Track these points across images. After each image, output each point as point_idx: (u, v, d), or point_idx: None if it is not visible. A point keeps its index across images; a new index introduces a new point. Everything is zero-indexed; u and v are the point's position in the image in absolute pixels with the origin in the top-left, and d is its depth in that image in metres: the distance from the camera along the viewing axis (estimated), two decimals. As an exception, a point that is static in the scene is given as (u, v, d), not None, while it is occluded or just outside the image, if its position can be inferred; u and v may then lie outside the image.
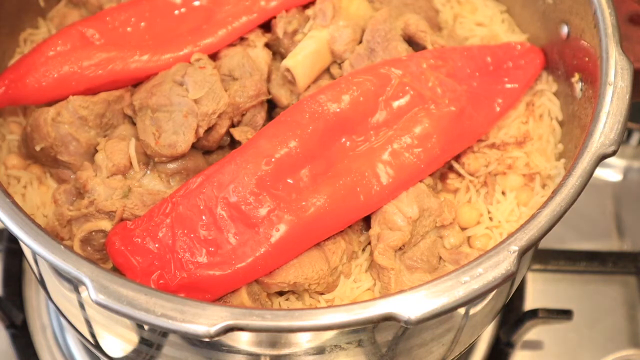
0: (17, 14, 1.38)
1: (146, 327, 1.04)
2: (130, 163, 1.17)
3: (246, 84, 1.22)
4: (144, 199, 1.14)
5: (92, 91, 1.23)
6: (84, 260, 0.94)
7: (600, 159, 1.06)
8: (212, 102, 1.18)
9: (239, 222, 1.08)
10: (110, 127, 1.23)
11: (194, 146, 1.18)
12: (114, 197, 1.13)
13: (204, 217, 1.08)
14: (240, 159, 1.11)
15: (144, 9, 1.31)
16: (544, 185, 1.25)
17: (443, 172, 1.25)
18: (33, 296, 1.53)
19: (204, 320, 0.89)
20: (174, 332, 0.91)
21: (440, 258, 1.16)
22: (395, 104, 1.19)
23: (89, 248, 1.14)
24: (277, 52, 1.32)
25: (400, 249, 1.13)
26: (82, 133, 1.20)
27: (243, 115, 1.23)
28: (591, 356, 1.52)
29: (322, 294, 1.14)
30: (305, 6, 1.34)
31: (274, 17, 1.31)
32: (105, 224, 1.12)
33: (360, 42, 1.29)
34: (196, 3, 1.33)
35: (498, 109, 1.27)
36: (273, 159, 1.11)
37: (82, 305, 1.10)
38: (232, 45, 1.29)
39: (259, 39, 1.29)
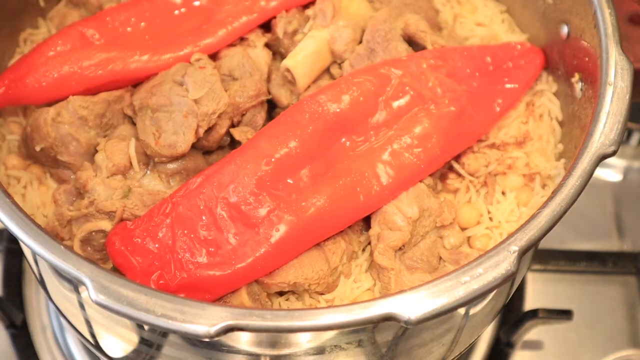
0: (17, 14, 1.38)
1: (146, 328, 1.04)
2: (130, 163, 1.17)
3: (246, 84, 1.22)
4: (144, 199, 1.14)
5: (92, 91, 1.22)
6: (84, 261, 0.94)
7: (600, 159, 1.06)
8: (212, 102, 1.18)
9: (239, 222, 1.08)
10: (110, 127, 1.23)
11: (194, 146, 1.18)
12: (114, 197, 1.13)
13: (204, 217, 1.08)
14: (240, 159, 1.11)
15: (144, 9, 1.31)
16: (544, 186, 1.25)
17: (443, 172, 1.25)
18: (33, 296, 1.53)
19: (204, 320, 0.90)
20: (174, 332, 0.91)
21: (440, 258, 1.16)
22: (395, 104, 1.19)
23: (89, 248, 1.14)
24: (277, 52, 1.32)
25: (400, 249, 1.13)
26: (82, 133, 1.20)
27: (243, 115, 1.23)
28: (591, 356, 1.52)
29: (322, 294, 1.14)
30: (305, 6, 1.34)
31: (274, 17, 1.31)
32: (105, 224, 1.12)
33: (360, 42, 1.29)
34: (196, 3, 1.33)
35: (498, 109, 1.27)
36: (273, 159, 1.11)
37: (82, 306, 1.10)
38: (232, 45, 1.29)
39: (259, 39, 1.29)
